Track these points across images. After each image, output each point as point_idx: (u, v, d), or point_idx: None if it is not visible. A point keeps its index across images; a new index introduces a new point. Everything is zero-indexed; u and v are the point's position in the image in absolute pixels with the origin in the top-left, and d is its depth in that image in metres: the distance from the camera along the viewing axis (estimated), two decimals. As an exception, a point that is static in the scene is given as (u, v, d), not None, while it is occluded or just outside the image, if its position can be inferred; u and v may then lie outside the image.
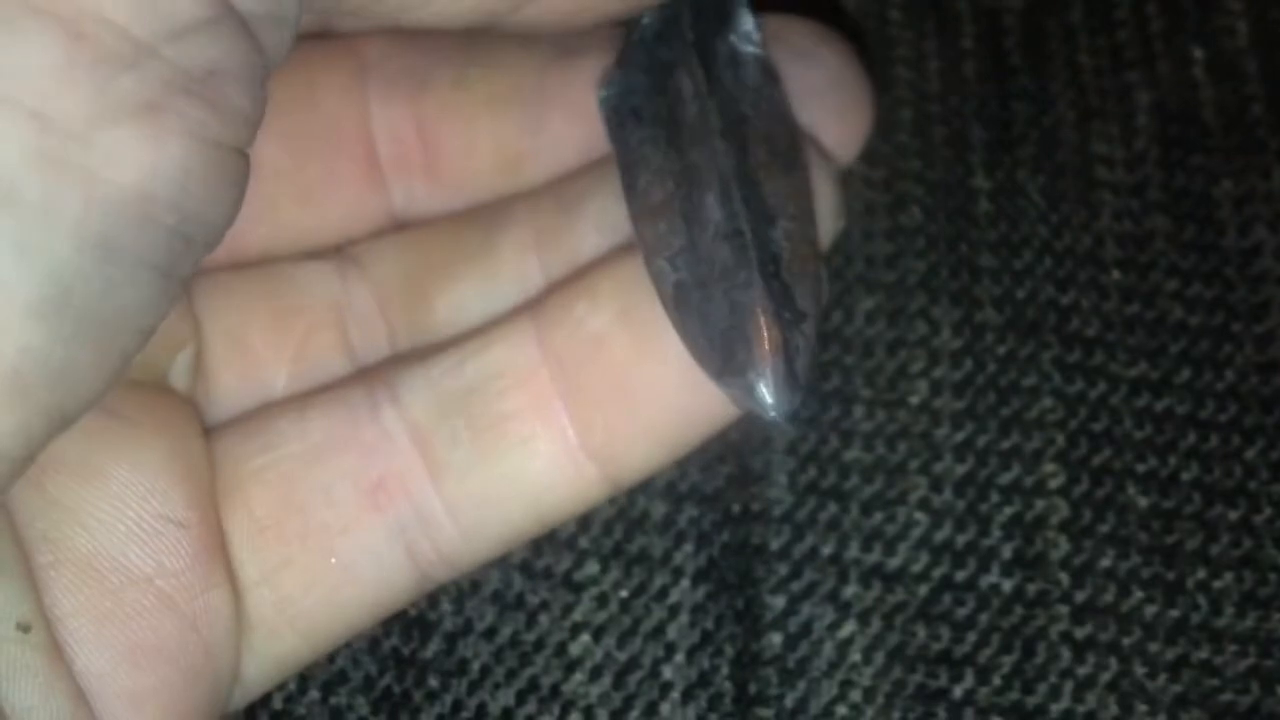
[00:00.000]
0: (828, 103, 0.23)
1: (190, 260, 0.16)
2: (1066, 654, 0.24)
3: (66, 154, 0.15)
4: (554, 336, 0.22)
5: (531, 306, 0.23)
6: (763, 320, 0.20)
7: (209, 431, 0.22)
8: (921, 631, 0.24)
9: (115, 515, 0.20)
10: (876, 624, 0.24)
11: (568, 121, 0.23)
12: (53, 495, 0.19)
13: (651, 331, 0.22)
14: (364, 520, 0.22)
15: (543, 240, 0.23)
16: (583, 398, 0.22)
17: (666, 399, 0.22)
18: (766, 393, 0.20)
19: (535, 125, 0.23)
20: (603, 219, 0.23)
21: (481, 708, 0.24)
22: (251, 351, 0.23)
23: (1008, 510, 0.25)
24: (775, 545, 0.24)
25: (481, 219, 0.23)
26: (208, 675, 0.20)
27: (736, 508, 0.25)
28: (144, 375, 0.21)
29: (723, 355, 0.20)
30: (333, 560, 0.22)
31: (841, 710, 0.24)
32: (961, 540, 0.24)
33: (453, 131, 0.23)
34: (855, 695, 0.24)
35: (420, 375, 0.22)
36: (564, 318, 0.22)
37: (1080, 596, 0.24)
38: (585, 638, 0.24)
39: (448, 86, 0.23)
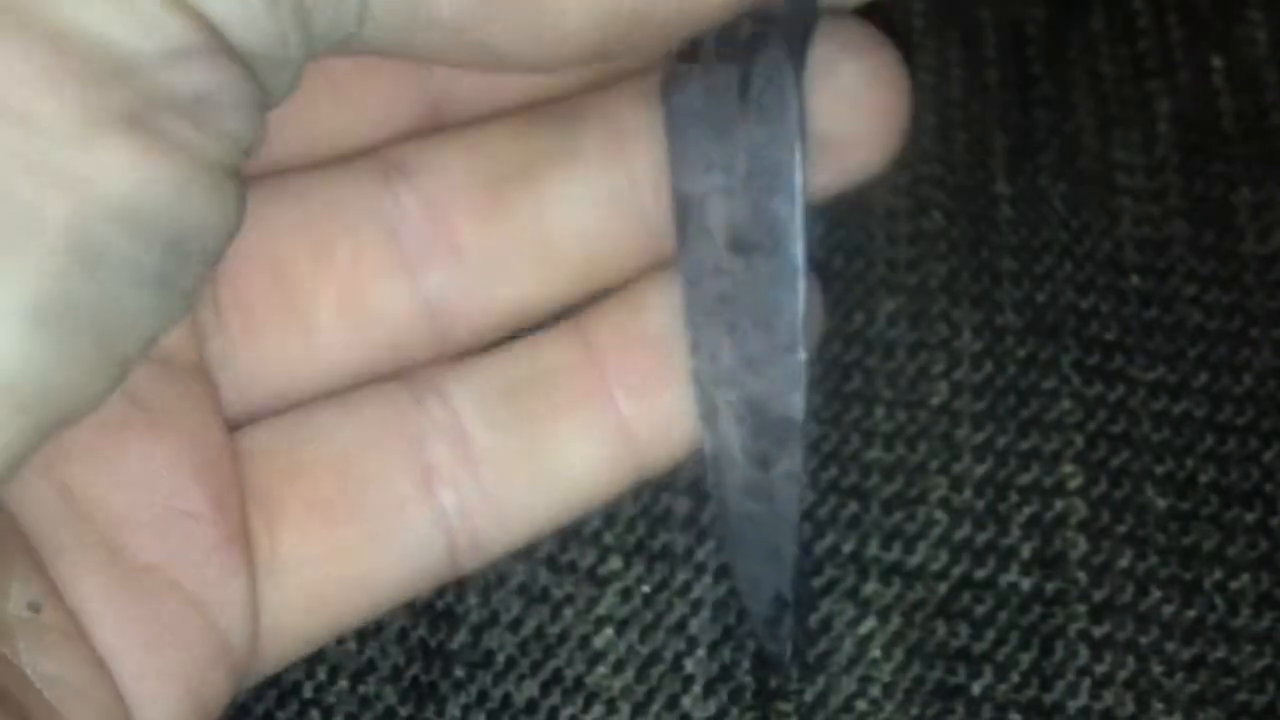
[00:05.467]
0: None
1: (188, 273, 0.16)
2: (1084, 652, 0.24)
3: (53, 160, 0.15)
4: (601, 338, 0.22)
5: (578, 312, 0.23)
6: None
7: (254, 411, 0.22)
8: (941, 628, 0.24)
9: (126, 505, 0.20)
10: (896, 621, 0.24)
11: None
12: (64, 482, 0.20)
13: None
14: (410, 508, 0.22)
15: (626, 136, 0.22)
16: (628, 393, 0.22)
17: None
18: None
19: None
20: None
21: (506, 698, 0.24)
22: (294, 281, 0.22)
23: (1027, 510, 0.25)
24: (797, 542, 0.25)
25: (553, 114, 0.22)
26: (224, 659, 0.21)
27: (759, 505, 0.25)
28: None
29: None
30: (378, 547, 0.22)
31: (861, 705, 0.24)
32: (981, 539, 0.25)
33: None
34: (874, 691, 0.24)
35: (467, 371, 0.23)
36: (613, 320, 0.23)
37: (1098, 595, 0.24)
38: (609, 631, 0.24)
39: None
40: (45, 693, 0.18)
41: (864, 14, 0.28)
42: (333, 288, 0.22)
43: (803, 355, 0.22)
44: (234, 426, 0.22)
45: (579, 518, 0.24)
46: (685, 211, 0.22)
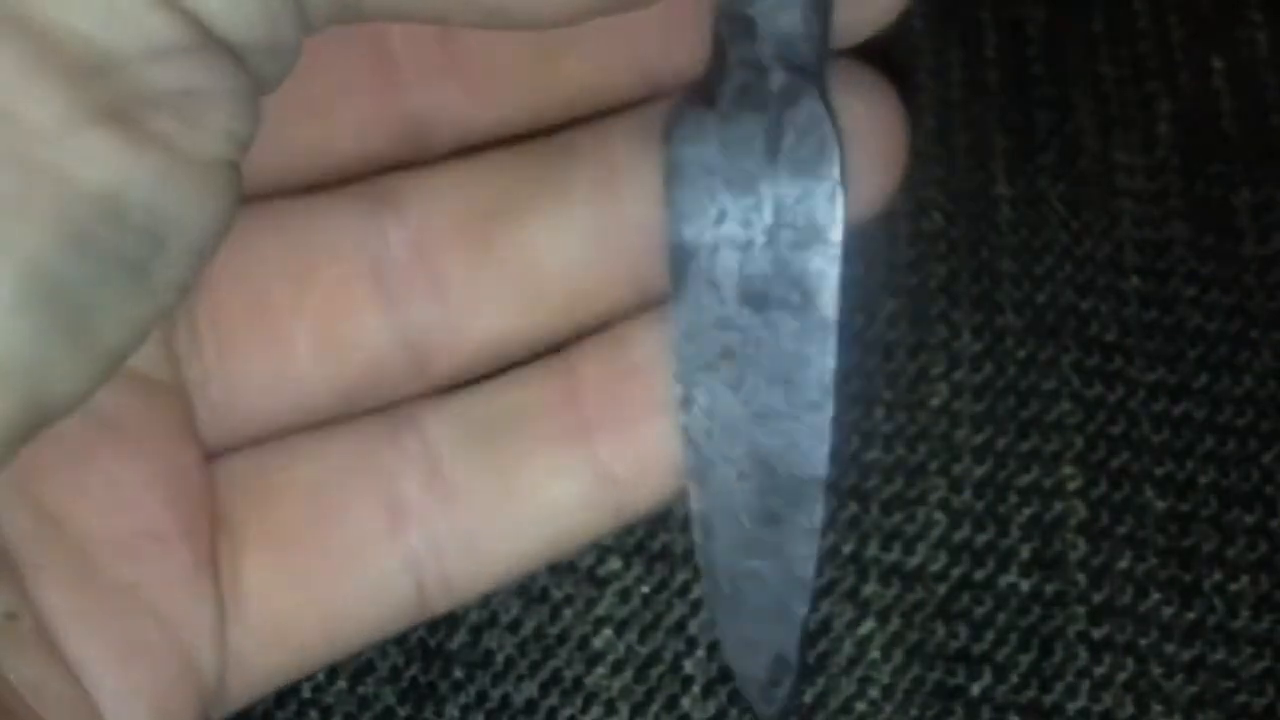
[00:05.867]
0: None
1: (173, 265, 0.16)
2: (1083, 654, 0.24)
3: (37, 153, 0.15)
4: (586, 371, 0.22)
5: (562, 348, 0.22)
6: None
7: (231, 439, 0.22)
8: (940, 630, 0.24)
9: (97, 525, 0.20)
10: (895, 622, 0.24)
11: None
12: (37, 499, 0.20)
13: None
14: (378, 545, 0.22)
15: (617, 174, 0.22)
16: (609, 429, 0.22)
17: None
18: None
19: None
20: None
21: (505, 699, 0.24)
22: (273, 308, 0.22)
23: (1026, 511, 0.25)
24: (796, 543, 0.25)
25: (544, 149, 0.22)
26: (193, 682, 0.20)
27: (758, 506, 0.25)
28: (149, 356, 0.21)
29: None
30: (341, 582, 0.22)
31: (860, 707, 0.24)
32: (980, 540, 0.25)
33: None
34: (874, 692, 0.24)
35: (443, 408, 0.22)
36: (598, 354, 0.22)
37: (1097, 597, 0.24)
38: (608, 632, 0.24)
39: None
40: (28, 698, 0.18)
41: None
42: (311, 317, 0.22)
43: (830, 412, 0.21)
44: (208, 452, 0.22)
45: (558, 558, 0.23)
46: (686, 262, 0.21)
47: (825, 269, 0.21)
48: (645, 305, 0.23)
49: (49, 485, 0.20)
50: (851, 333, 0.26)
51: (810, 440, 0.22)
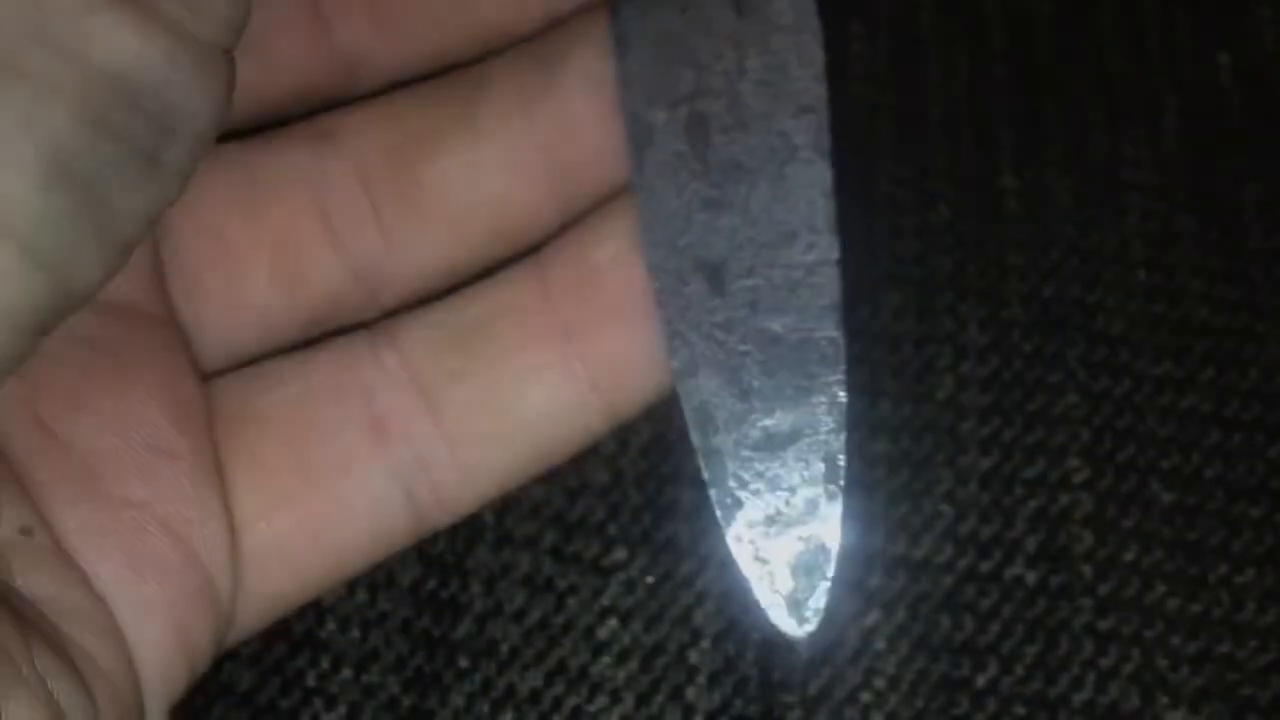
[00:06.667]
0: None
1: (179, 151, 0.17)
2: (1089, 646, 0.24)
3: (60, 34, 0.16)
4: (556, 272, 0.22)
5: (535, 250, 0.22)
6: None
7: (210, 371, 0.22)
8: (946, 621, 0.24)
9: (104, 442, 0.20)
10: (901, 613, 0.24)
11: None
12: (44, 419, 0.20)
13: None
14: (364, 461, 0.22)
15: (527, 103, 0.22)
16: (586, 329, 0.22)
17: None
18: None
19: None
20: (587, 76, 0.22)
21: (510, 688, 0.24)
22: (230, 244, 0.22)
23: (1032, 504, 0.25)
24: (802, 534, 0.25)
25: (458, 83, 0.23)
26: (209, 598, 0.21)
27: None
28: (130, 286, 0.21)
29: None
30: (331, 500, 0.22)
31: (865, 698, 0.24)
32: (986, 532, 0.25)
33: None
34: (879, 683, 0.24)
35: (421, 319, 0.22)
36: (566, 254, 0.22)
37: (1103, 590, 0.24)
38: (613, 622, 0.24)
39: None
40: (45, 611, 0.19)
41: (870, 11, 0.28)
42: (268, 251, 0.22)
43: (836, 255, 0.20)
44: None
45: (553, 465, 0.23)
46: (647, 137, 0.21)
47: (812, 106, 0.20)
48: (614, 194, 0.22)
49: (55, 405, 0.20)
50: (857, 324, 0.26)
51: (817, 286, 0.21)
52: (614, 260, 0.22)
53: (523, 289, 0.22)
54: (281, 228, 0.22)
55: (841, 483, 0.21)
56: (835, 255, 0.20)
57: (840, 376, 0.21)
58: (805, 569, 0.21)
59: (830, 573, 0.21)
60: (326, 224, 0.23)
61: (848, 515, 0.25)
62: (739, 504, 0.21)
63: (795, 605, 0.21)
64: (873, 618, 0.24)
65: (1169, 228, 0.27)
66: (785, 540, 0.21)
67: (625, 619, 0.24)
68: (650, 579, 0.25)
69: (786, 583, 0.21)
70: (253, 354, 0.23)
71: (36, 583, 0.19)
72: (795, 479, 0.21)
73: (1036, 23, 0.28)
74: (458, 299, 0.23)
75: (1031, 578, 0.24)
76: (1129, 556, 0.24)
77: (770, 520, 0.21)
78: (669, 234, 0.21)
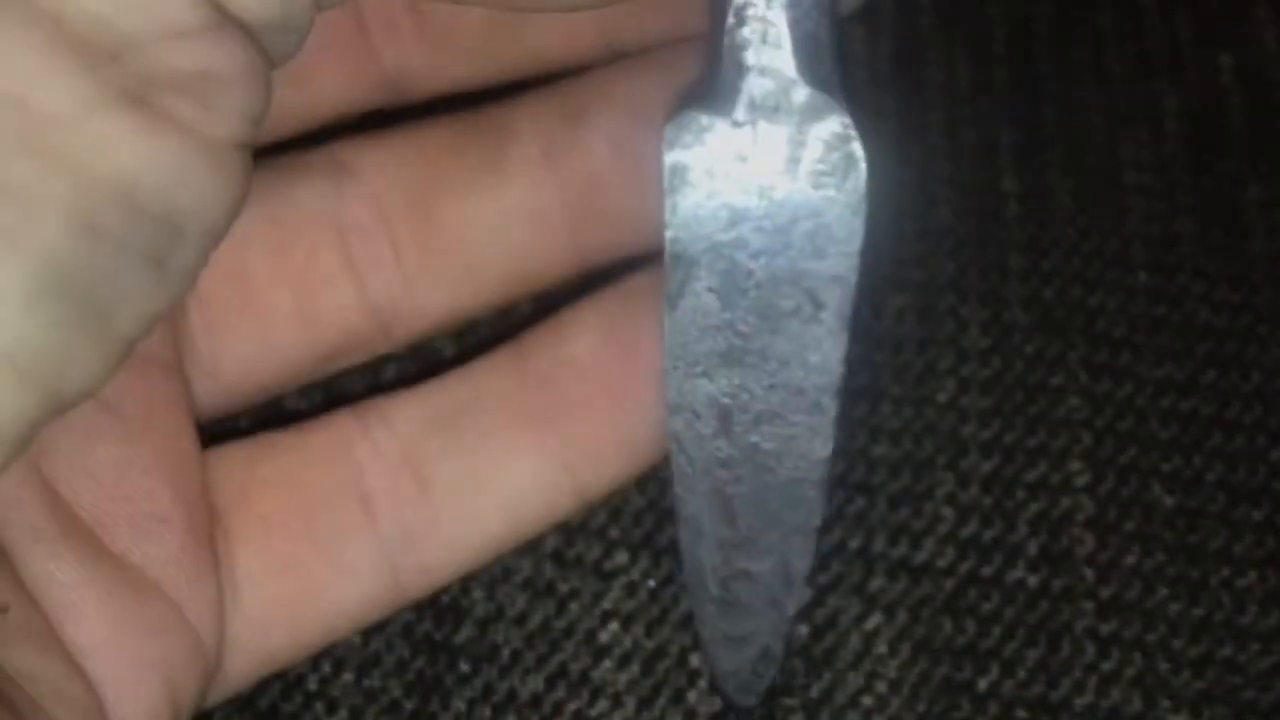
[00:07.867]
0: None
1: (187, 252, 0.16)
2: (1091, 649, 0.24)
3: (52, 141, 0.15)
4: (534, 361, 0.23)
5: (516, 338, 0.23)
6: None
7: (224, 406, 0.22)
8: (947, 625, 0.24)
9: (102, 505, 0.20)
10: (902, 617, 0.24)
11: None
12: (43, 476, 0.20)
13: (631, 354, 0.23)
14: (356, 531, 0.22)
15: (552, 155, 0.23)
16: (562, 416, 0.23)
17: (643, 416, 0.23)
18: None
19: None
20: (613, 133, 0.23)
21: (511, 692, 0.24)
22: (253, 280, 0.22)
23: (1033, 507, 0.25)
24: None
25: (484, 129, 0.23)
26: (198, 658, 0.21)
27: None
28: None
29: None
30: (327, 566, 0.22)
31: (867, 701, 0.24)
32: (988, 536, 0.25)
33: None
34: (881, 687, 0.24)
35: (410, 399, 0.23)
36: (544, 343, 0.23)
37: (1105, 593, 0.24)
38: (614, 625, 0.24)
39: None
40: (25, 687, 0.18)
41: (873, 10, 0.28)
42: (289, 285, 0.23)
43: (834, 413, 0.21)
44: (200, 427, 0.22)
45: (533, 539, 0.24)
46: (688, 266, 0.21)
47: (843, 277, 0.21)
48: (593, 283, 0.23)
49: (58, 467, 0.20)
50: (859, 327, 0.26)
51: (812, 442, 0.22)
52: (590, 352, 0.23)
53: (504, 374, 0.23)
54: (304, 265, 0.22)
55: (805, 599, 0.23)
56: (834, 414, 0.21)
57: (817, 524, 0.22)
58: (759, 663, 0.23)
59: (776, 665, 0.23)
60: (348, 262, 0.23)
61: (848, 516, 0.25)
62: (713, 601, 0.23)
63: (745, 682, 0.24)
64: (874, 621, 0.24)
65: (1170, 230, 0.27)
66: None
67: (627, 623, 0.24)
68: (652, 583, 0.25)
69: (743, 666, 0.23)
70: (267, 390, 0.23)
71: (14, 659, 0.19)
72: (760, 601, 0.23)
73: (1037, 25, 0.28)
74: (442, 383, 0.23)
75: (1033, 581, 0.24)
76: (1131, 560, 0.24)
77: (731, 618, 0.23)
78: (692, 372, 0.22)
